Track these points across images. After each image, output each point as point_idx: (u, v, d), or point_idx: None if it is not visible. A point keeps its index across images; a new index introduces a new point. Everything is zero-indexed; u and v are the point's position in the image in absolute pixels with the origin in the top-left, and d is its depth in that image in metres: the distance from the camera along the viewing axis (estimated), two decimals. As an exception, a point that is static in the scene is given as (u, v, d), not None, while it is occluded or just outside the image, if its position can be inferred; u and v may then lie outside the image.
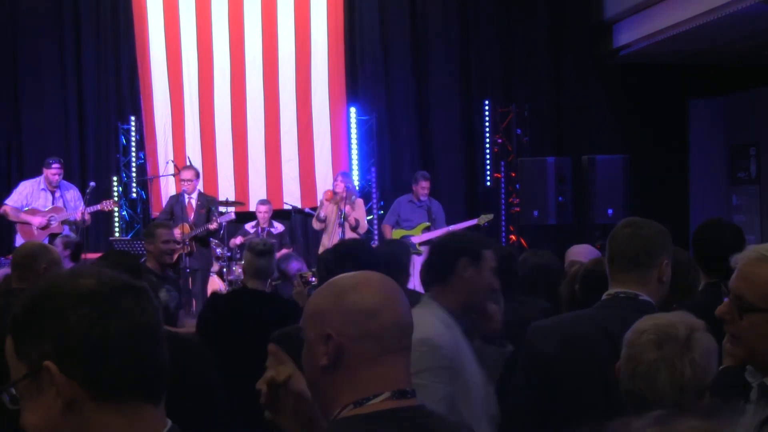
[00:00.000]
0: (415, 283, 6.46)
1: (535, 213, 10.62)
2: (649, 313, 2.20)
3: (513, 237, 11.12)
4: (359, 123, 11.33)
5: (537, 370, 2.63)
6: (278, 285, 9.29)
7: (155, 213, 10.54)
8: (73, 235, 9.38)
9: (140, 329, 1.35)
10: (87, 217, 9.20)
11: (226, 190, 10.93)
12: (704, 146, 12.03)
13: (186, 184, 9.42)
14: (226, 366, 3.88)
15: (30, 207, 9.28)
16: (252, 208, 10.43)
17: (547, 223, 10.62)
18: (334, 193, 9.73)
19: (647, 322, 2.03)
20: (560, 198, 10.60)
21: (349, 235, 9.39)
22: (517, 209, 11.03)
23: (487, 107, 11.33)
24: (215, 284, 9.59)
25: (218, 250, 9.59)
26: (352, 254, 4.21)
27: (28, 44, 11.05)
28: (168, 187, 10.82)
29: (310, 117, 11.28)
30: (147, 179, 10.97)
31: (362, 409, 1.63)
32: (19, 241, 8.97)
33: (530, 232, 11.11)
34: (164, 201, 10.52)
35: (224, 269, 9.43)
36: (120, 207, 10.68)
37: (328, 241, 9.44)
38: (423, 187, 10.04)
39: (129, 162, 11.04)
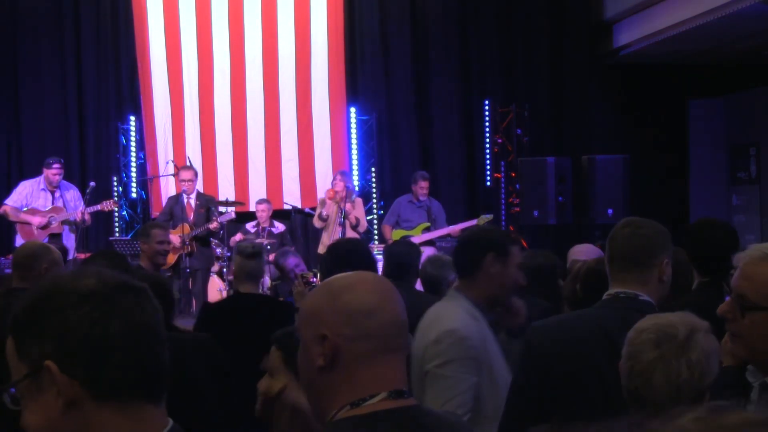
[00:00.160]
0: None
1: (535, 213, 10.61)
2: (649, 313, 2.20)
3: (513, 237, 11.11)
4: (359, 123, 11.33)
5: (537, 370, 2.63)
6: (278, 284, 9.31)
7: (155, 213, 10.53)
8: (72, 236, 9.39)
9: (140, 329, 1.35)
10: (87, 217, 9.19)
11: (226, 190, 10.93)
12: (704, 146, 12.03)
13: (185, 184, 9.42)
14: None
15: (30, 207, 9.28)
16: (252, 208, 10.43)
17: (547, 223, 10.62)
18: (335, 192, 9.73)
19: (648, 322, 2.03)
20: (560, 198, 10.60)
21: (350, 233, 9.39)
22: (517, 209, 11.03)
23: (487, 107, 11.34)
24: (215, 284, 9.59)
25: (218, 250, 9.59)
26: (348, 254, 4.22)
27: (28, 44, 11.05)
28: (168, 187, 10.82)
29: (310, 117, 11.27)
30: (147, 179, 10.98)
31: (359, 409, 1.63)
32: (19, 241, 8.96)
33: (530, 232, 11.11)
34: (164, 201, 10.51)
35: (224, 269, 9.42)
36: (120, 207, 10.68)
37: (328, 240, 9.43)
38: (422, 187, 10.03)
39: (129, 162, 11.04)
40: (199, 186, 10.15)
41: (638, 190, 10.83)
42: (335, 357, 1.64)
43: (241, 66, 11.19)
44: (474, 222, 10.06)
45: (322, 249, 9.52)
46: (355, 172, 11.27)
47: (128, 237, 10.46)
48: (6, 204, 9.32)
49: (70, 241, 9.31)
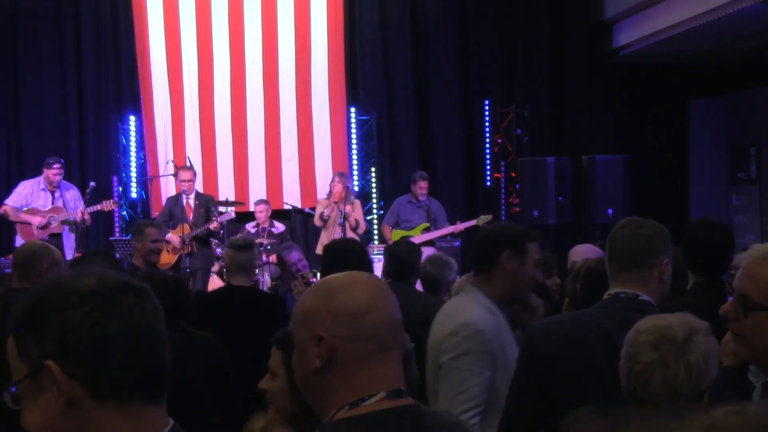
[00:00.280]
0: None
1: (535, 213, 10.60)
2: (649, 313, 2.20)
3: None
4: (359, 123, 11.32)
5: (536, 370, 2.63)
6: (278, 284, 9.31)
7: (155, 213, 10.53)
8: (72, 235, 9.39)
9: (141, 329, 1.35)
10: (87, 217, 9.19)
11: (226, 190, 10.93)
12: (704, 146, 12.03)
13: (184, 184, 9.42)
14: None
15: (30, 207, 9.28)
16: (252, 208, 10.43)
17: (547, 223, 10.60)
18: (339, 194, 9.72)
19: (647, 323, 2.03)
20: (560, 198, 10.59)
21: (349, 235, 9.39)
22: (517, 209, 11.02)
23: (487, 107, 11.33)
24: (215, 284, 9.58)
25: (218, 250, 9.59)
26: (344, 253, 4.22)
27: (28, 44, 11.05)
28: (168, 187, 10.82)
29: (310, 117, 11.27)
30: (147, 179, 10.98)
31: (358, 410, 1.62)
32: (19, 241, 8.96)
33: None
34: (164, 201, 10.51)
35: (224, 269, 9.41)
36: (120, 207, 10.67)
37: (327, 241, 9.43)
38: (421, 186, 10.03)
39: (129, 162, 11.04)
40: (199, 186, 10.15)
41: (638, 190, 10.82)
42: (332, 358, 1.63)
43: (241, 66, 11.19)
44: (473, 222, 10.07)
45: (320, 249, 9.51)
46: (355, 172, 11.26)
47: (128, 237, 10.44)
48: (6, 204, 9.32)
49: (69, 241, 9.31)
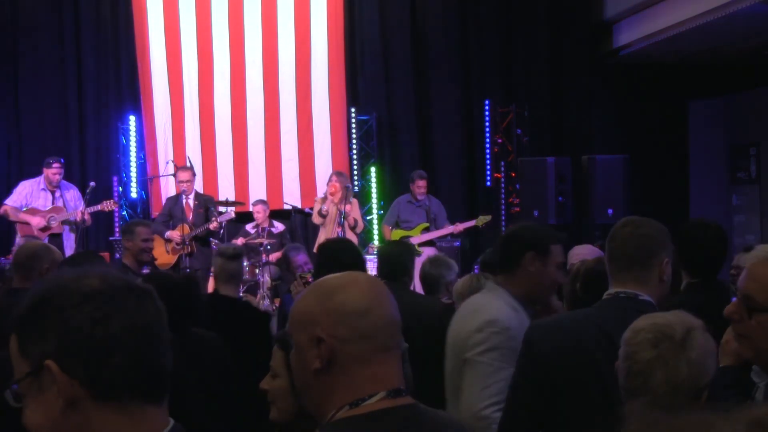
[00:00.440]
0: (414, 283, 6.39)
1: (535, 213, 10.60)
2: (648, 313, 2.20)
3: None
4: (359, 123, 11.32)
5: (536, 369, 2.63)
6: (278, 284, 9.32)
7: (155, 213, 10.53)
8: (72, 235, 9.38)
9: (142, 330, 1.35)
10: (87, 217, 9.19)
11: (226, 190, 10.93)
12: (704, 146, 12.03)
13: (183, 185, 9.42)
14: None
15: (30, 207, 9.28)
16: (251, 208, 10.43)
17: (547, 223, 10.59)
18: (335, 188, 9.72)
19: (645, 321, 2.04)
20: (560, 198, 10.59)
21: (348, 234, 9.40)
22: (517, 209, 11.02)
23: (487, 107, 11.33)
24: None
25: (218, 250, 9.58)
26: (336, 253, 4.22)
27: (29, 44, 11.05)
28: (168, 187, 10.82)
29: (310, 117, 11.27)
30: (147, 179, 10.98)
31: (358, 409, 1.62)
32: (19, 241, 8.96)
33: (530, 232, 11.09)
34: (164, 201, 10.51)
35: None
36: (120, 207, 10.67)
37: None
38: (419, 186, 10.02)
39: (129, 162, 11.04)
40: (199, 186, 10.15)
41: (638, 190, 10.82)
42: (332, 359, 1.63)
43: (241, 66, 11.19)
44: (473, 223, 10.07)
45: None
46: (355, 172, 11.26)
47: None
48: (6, 204, 9.32)
49: (69, 241, 9.31)
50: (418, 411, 1.69)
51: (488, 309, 3.05)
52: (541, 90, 11.59)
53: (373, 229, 11.01)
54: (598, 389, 2.44)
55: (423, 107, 11.54)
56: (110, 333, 1.31)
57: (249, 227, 10.17)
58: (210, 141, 11.17)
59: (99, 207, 9.33)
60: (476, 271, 6.21)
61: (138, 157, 11.07)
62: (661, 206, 10.34)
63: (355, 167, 11.30)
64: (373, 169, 11.23)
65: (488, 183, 11.40)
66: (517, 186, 11.03)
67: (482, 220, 10.06)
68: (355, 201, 9.94)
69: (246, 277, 9.44)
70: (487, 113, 11.34)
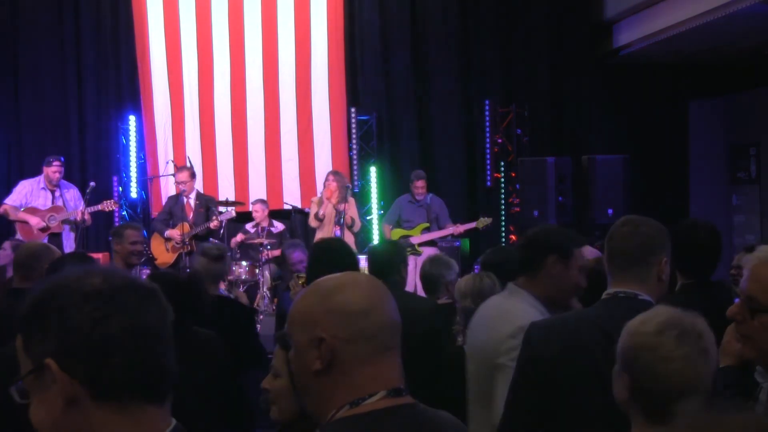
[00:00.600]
0: (416, 283, 6.41)
1: (535, 213, 10.61)
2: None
3: (513, 237, 11.13)
4: (359, 123, 11.32)
5: (535, 369, 2.63)
6: (278, 284, 9.30)
7: (155, 213, 10.53)
8: (72, 235, 9.37)
9: (144, 329, 1.34)
10: (87, 217, 9.19)
11: (226, 190, 10.93)
12: (704, 146, 12.04)
13: (181, 185, 9.43)
14: None
15: (29, 206, 9.28)
16: (251, 208, 10.43)
17: (547, 223, 10.61)
18: (331, 192, 9.70)
19: (658, 318, 1.97)
20: (560, 198, 10.59)
21: (346, 233, 9.40)
22: (517, 209, 11.02)
23: (487, 107, 11.33)
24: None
25: (218, 250, 9.58)
26: (328, 252, 4.21)
27: (28, 44, 11.04)
28: (168, 187, 10.81)
29: (310, 117, 11.27)
30: (147, 179, 10.97)
31: (358, 409, 1.63)
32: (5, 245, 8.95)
33: (530, 232, 11.09)
34: (164, 201, 10.51)
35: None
36: (120, 207, 10.67)
37: (323, 240, 9.41)
38: (417, 186, 10.02)
39: (129, 162, 11.04)
40: (199, 186, 10.15)
41: (638, 190, 10.82)
42: (333, 359, 1.63)
43: (241, 66, 11.18)
44: (473, 224, 10.06)
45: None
46: (355, 173, 11.26)
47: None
48: (5, 203, 9.32)
49: (69, 240, 9.31)
50: (418, 410, 1.69)
51: (518, 314, 3.04)
52: (541, 90, 11.59)
53: (373, 228, 11.00)
54: (598, 389, 2.44)
55: (423, 107, 11.53)
56: (110, 333, 1.31)
57: (249, 227, 10.17)
58: (210, 141, 11.17)
59: (99, 207, 9.34)
60: (476, 270, 6.21)
61: (138, 157, 11.07)
62: (661, 206, 10.35)
63: (355, 167, 11.30)
64: (373, 169, 11.22)
65: (488, 183, 11.40)
66: (517, 186, 11.03)
67: (483, 222, 10.05)
68: (352, 200, 9.92)
69: (246, 276, 9.45)
70: (487, 113, 11.33)
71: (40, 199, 9.32)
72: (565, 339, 2.63)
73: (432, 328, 4.13)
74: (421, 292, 5.64)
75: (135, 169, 11.04)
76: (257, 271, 9.44)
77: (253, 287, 9.65)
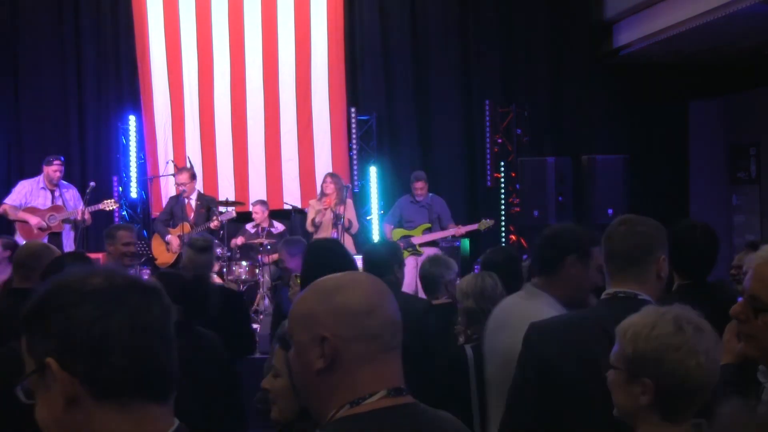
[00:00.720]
0: (416, 282, 6.39)
1: (535, 213, 10.61)
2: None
3: (513, 237, 11.13)
4: (359, 123, 11.31)
5: (535, 369, 2.63)
6: (278, 284, 9.30)
7: (155, 213, 10.54)
8: (72, 234, 9.37)
9: (144, 328, 1.34)
10: (87, 216, 9.20)
11: (226, 190, 10.93)
12: (704, 146, 12.03)
13: (180, 187, 9.44)
14: None
15: (29, 205, 9.27)
16: (251, 208, 10.42)
17: (547, 223, 10.59)
18: (326, 194, 9.69)
19: (669, 314, 1.98)
20: (560, 198, 10.59)
21: (342, 235, 9.39)
22: (517, 209, 11.02)
23: (487, 107, 11.33)
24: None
25: (218, 250, 9.58)
26: (322, 253, 4.22)
27: (29, 44, 11.05)
28: (168, 187, 10.82)
29: (310, 117, 11.27)
30: (147, 179, 10.97)
31: (359, 408, 1.62)
32: (18, 240, 8.94)
33: (530, 232, 11.10)
34: (164, 201, 10.53)
35: (224, 269, 9.42)
36: (120, 207, 10.67)
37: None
38: (416, 188, 10.02)
39: (129, 162, 11.03)
40: (199, 186, 10.15)
41: (638, 190, 10.82)
42: (335, 358, 1.63)
43: (241, 66, 11.18)
44: (475, 226, 10.04)
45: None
46: (355, 172, 11.26)
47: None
48: (5, 203, 9.32)
49: (69, 240, 9.31)
50: (419, 410, 1.69)
51: (541, 316, 2.99)
52: (541, 90, 11.59)
53: (373, 229, 10.99)
54: (598, 389, 2.43)
55: (423, 107, 11.53)
56: (109, 331, 1.31)
57: (249, 227, 10.17)
58: (210, 141, 11.17)
59: (100, 206, 9.34)
60: (476, 270, 6.21)
61: (138, 157, 11.07)
62: (661, 206, 10.35)
63: (355, 167, 11.29)
64: (373, 169, 11.22)
65: (488, 183, 11.40)
66: (517, 186, 11.03)
67: (485, 224, 10.03)
68: (349, 202, 9.91)
69: (246, 277, 9.45)
70: (487, 113, 11.33)
71: (39, 198, 9.32)
72: (565, 339, 2.63)
73: (425, 328, 4.13)
74: (421, 292, 5.64)
75: (135, 169, 11.03)
76: (257, 271, 9.44)
77: (253, 287, 9.65)
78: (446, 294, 5.04)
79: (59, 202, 9.32)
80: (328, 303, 1.65)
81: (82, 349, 1.30)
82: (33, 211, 9.26)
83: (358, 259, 5.00)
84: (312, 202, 10.03)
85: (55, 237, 9.10)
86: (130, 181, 11.02)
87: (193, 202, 9.51)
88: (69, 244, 9.20)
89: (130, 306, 1.34)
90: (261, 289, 9.33)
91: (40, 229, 9.16)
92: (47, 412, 1.33)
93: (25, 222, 9.19)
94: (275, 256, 9.55)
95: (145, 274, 7.96)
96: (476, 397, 4.02)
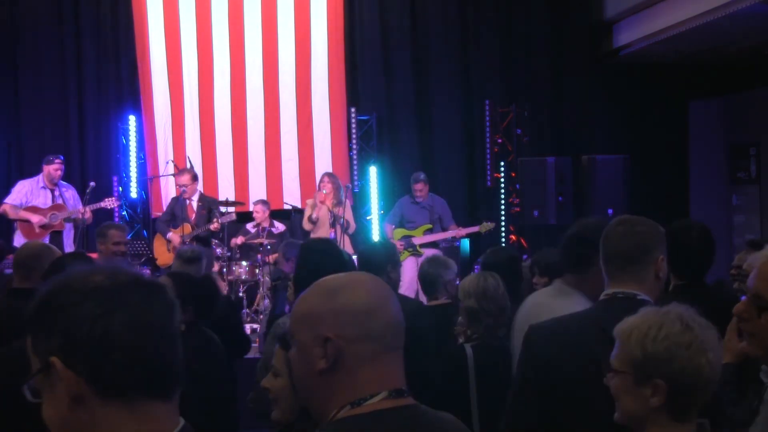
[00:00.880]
0: (416, 283, 6.38)
1: (535, 213, 10.61)
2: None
3: (513, 237, 11.13)
4: (359, 123, 11.32)
5: (535, 370, 2.62)
6: (278, 284, 9.29)
7: (155, 213, 10.54)
8: (72, 233, 9.37)
9: (147, 325, 1.34)
10: (88, 215, 9.20)
11: (226, 190, 10.92)
12: (704, 146, 12.03)
13: (182, 188, 9.43)
14: None
15: (29, 205, 9.28)
16: (251, 208, 10.42)
17: (547, 223, 10.60)
18: (325, 195, 9.69)
19: (671, 314, 1.97)
20: (560, 198, 10.60)
21: (340, 235, 9.38)
22: (517, 209, 11.02)
23: (487, 107, 11.33)
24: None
25: (218, 250, 9.59)
26: (317, 253, 4.21)
27: (29, 44, 11.04)
28: (168, 187, 10.82)
29: (310, 117, 11.27)
30: (147, 179, 10.97)
31: (360, 409, 1.62)
32: (18, 240, 8.96)
33: (530, 232, 11.11)
34: (164, 201, 10.53)
35: (224, 269, 9.43)
36: (120, 207, 10.67)
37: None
38: (417, 189, 10.00)
39: (129, 162, 11.03)
40: (199, 186, 10.14)
41: (638, 190, 10.82)
42: (338, 358, 1.62)
43: (241, 66, 11.18)
44: (476, 228, 10.03)
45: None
46: (355, 172, 11.26)
47: (128, 237, 10.43)
48: (5, 203, 9.32)
49: (69, 239, 9.31)
50: (420, 411, 1.69)
51: None
52: (541, 90, 11.59)
53: (373, 229, 10.99)
54: (598, 390, 2.43)
55: (423, 107, 11.54)
56: (111, 329, 1.31)
57: (249, 227, 10.17)
58: (210, 141, 11.17)
59: (101, 204, 9.36)
60: (476, 270, 6.21)
61: (138, 157, 11.07)
62: (661, 206, 10.34)
63: (355, 167, 11.29)
64: (373, 169, 11.22)
65: (488, 183, 11.40)
66: (517, 186, 11.03)
67: (486, 227, 10.00)
68: (347, 202, 9.91)
69: (246, 277, 9.46)
70: (487, 113, 11.33)
71: (39, 198, 9.32)
72: (564, 339, 2.62)
73: (416, 328, 4.13)
74: (421, 292, 5.65)
75: (135, 169, 11.03)
76: (257, 271, 9.44)
77: (253, 287, 9.65)
78: (445, 294, 5.04)
79: (59, 201, 9.32)
80: (331, 303, 1.65)
81: (85, 348, 1.30)
82: (34, 210, 9.26)
83: (357, 259, 4.99)
84: (309, 201, 10.03)
85: (56, 236, 9.11)
86: (130, 181, 11.02)
87: (194, 203, 9.52)
88: (69, 243, 9.20)
89: (132, 303, 1.33)
90: (261, 289, 9.33)
91: (42, 226, 9.16)
92: (53, 411, 1.33)
93: (27, 221, 9.19)
94: (275, 256, 9.56)
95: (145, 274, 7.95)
96: (476, 397, 4.02)
